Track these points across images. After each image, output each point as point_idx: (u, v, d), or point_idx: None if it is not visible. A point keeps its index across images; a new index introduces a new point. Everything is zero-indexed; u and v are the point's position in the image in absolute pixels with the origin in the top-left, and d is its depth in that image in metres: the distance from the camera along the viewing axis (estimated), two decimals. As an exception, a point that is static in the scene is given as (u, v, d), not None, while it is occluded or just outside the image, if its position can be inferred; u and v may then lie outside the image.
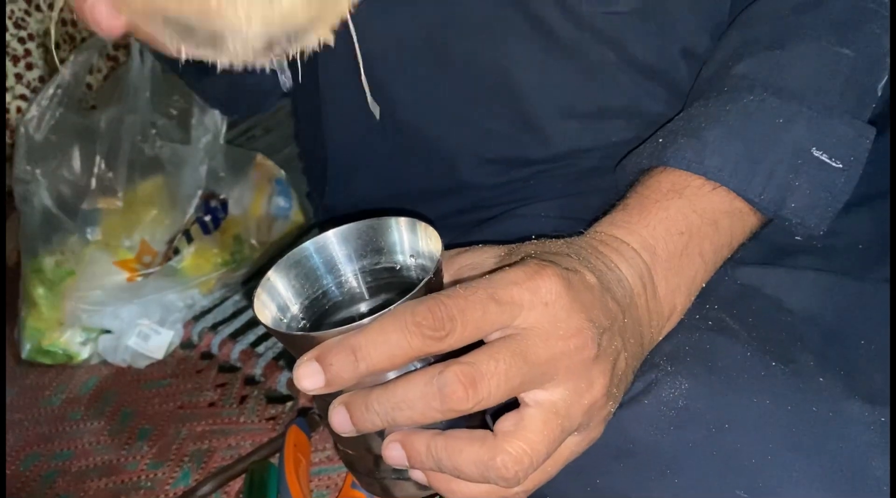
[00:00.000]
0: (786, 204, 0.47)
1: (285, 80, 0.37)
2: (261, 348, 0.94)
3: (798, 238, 0.50)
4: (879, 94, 0.52)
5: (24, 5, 1.06)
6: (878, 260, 0.50)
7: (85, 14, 0.32)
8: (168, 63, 0.66)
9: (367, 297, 0.45)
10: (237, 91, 0.66)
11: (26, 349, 1.08)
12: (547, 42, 0.56)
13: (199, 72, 0.58)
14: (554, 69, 0.56)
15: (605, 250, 0.44)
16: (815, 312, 0.47)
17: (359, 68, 0.38)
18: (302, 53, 0.33)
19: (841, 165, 0.47)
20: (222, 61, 0.33)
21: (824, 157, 0.47)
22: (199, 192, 1.04)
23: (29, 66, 1.08)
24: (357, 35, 0.35)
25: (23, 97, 1.11)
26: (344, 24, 0.33)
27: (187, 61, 0.56)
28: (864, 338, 0.45)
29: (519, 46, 0.56)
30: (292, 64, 0.35)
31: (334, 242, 0.44)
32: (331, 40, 0.33)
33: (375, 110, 0.41)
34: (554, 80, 0.57)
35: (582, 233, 0.46)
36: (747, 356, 0.43)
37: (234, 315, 1.00)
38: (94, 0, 0.31)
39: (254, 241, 1.09)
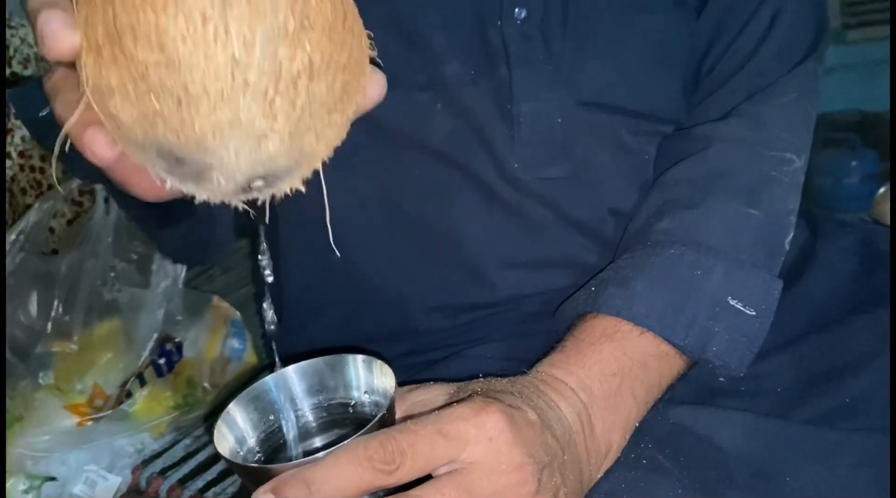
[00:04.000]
0: (708, 348, 0.51)
1: (258, 220, 0.38)
2: (209, 494, 0.92)
3: (721, 379, 0.53)
4: (787, 248, 0.57)
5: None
6: (798, 402, 0.53)
7: (83, 143, 0.33)
8: (129, 211, 0.69)
9: (321, 431, 0.46)
10: (190, 242, 0.68)
11: (-36, 499, 1.03)
12: (490, 202, 0.60)
13: (157, 223, 0.60)
14: (497, 225, 0.60)
15: (546, 389, 0.47)
16: (743, 450, 0.49)
17: (325, 216, 0.40)
18: (273, 197, 0.35)
19: (754, 313, 0.52)
20: (201, 196, 0.34)
21: (739, 306, 0.52)
22: (155, 336, 1.04)
23: (-6, 213, 1.10)
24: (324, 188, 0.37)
25: (-15, 242, 1.12)
26: (315, 175, 0.35)
27: (147, 214, 0.59)
28: (789, 475, 0.47)
29: (465, 205, 0.60)
30: (260, 207, 0.37)
31: (293, 378, 0.46)
32: (302, 188, 0.35)
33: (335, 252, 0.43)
34: (497, 235, 0.60)
35: (525, 373, 0.49)
36: (679, 494, 0.44)
37: (184, 459, 0.98)
38: (94, 132, 0.33)
39: (207, 384, 1.08)
